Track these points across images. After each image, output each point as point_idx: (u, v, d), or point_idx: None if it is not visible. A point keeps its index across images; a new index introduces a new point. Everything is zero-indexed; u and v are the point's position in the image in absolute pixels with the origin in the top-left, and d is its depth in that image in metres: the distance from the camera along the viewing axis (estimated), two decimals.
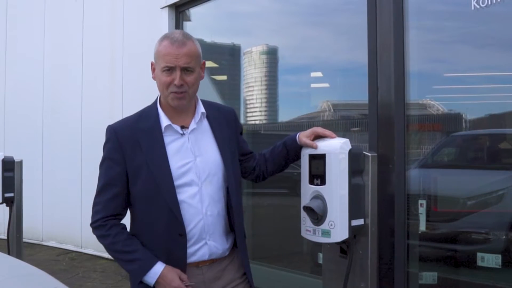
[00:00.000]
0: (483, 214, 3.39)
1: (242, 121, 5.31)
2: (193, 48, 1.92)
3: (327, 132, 2.04)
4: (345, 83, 4.32)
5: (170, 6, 5.23)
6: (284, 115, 5.06)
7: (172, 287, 1.83)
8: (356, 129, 4.12)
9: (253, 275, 2.13)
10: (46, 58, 6.96)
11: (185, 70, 1.90)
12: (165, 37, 1.94)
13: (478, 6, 2.93)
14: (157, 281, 1.85)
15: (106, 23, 6.12)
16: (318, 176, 1.96)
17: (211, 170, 1.98)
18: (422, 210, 3.33)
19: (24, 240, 6.59)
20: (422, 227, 3.35)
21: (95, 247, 6.11)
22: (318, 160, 1.96)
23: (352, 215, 1.92)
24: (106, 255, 5.90)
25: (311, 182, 1.99)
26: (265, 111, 5.23)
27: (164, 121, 1.96)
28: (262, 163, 2.20)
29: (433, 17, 3.39)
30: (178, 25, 5.27)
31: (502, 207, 3.27)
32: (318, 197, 1.96)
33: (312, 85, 4.66)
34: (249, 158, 2.22)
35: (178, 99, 1.92)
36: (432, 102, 3.50)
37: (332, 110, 4.48)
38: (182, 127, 1.99)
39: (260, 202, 5.16)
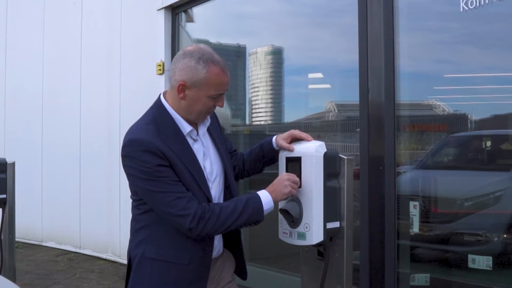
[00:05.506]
0: (479, 215, 3.37)
1: (247, 121, 5.32)
2: None
3: (303, 134, 2.03)
4: (349, 83, 4.30)
5: (166, 7, 5.25)
6: (289, 116, 5.04)
7: (284, 186, 1.88)
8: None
9: (250, 276, 2.15)
10: (45, 60, 7.01)
11: None
12: (211, 61, 1.81)
13: (466, 8, 2.94)
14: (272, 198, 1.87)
15: (104, 25, 6.16)
16: None
17: (217, 171, 2.01)
18: (415, 211, 3.32)
19: (24, 240, 6.73)
20: (416, 228, 3.33)
21: (93, 248, 6.16)
22: (294, 163, 1.96)
23: (328, 218, 1.91)
24: (104, 255, 5.94)
25: None
26: (270, 111, 5.23)
27: (186, 126, 1.90)
28: (240, 163, 2.22)
29: (423, 19, 3.39)
30: (174, 26, 5.28)
31: (498, 208, 3.26)
32: (294, 199, 1.96)
33: (317, 86, 4.65)
34: (232, 156, 2.23)
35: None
36: (439, 103, 3.49)
37: (336, 111, 4.47)
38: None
39: None
